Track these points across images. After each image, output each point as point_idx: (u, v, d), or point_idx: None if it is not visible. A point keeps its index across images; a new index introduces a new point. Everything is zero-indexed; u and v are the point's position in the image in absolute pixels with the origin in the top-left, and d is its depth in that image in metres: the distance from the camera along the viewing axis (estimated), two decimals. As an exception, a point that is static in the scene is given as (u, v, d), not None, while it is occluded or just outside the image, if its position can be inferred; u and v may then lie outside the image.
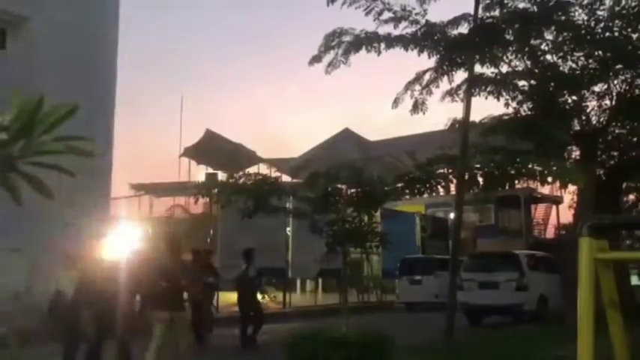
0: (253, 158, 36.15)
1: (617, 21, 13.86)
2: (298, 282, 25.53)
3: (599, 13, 13.89)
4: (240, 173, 9.76)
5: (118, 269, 7.53)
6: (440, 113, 15.00)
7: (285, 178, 32.64)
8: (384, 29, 13.50)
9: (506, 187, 15.22)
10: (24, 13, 8.08)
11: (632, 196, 21.67)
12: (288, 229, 19.29)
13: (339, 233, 8.37)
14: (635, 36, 14.17)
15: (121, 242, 8.84)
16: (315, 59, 13.52)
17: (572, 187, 14.40)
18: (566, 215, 30.97)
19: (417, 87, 14.65)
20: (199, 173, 34.32)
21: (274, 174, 30.74)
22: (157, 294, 7.08)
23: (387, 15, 13.34)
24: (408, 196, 9.74)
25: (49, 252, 7.66)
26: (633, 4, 13.52)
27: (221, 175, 25.45)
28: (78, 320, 7.49)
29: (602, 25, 13.96)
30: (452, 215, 21.74)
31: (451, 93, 15.34)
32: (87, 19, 8.72)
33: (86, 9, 8.66)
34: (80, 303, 7.46)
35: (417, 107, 14.71)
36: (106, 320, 7.42)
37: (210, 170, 35.16)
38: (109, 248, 8.13)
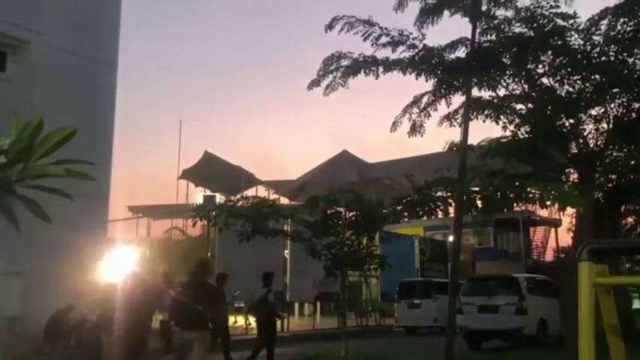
0: (251, 180, 36.18)
1: (612, 45, 13.99)
2: (296, 305, 25.34)
3: (595, 37, 14.03)
4: (238, 196, 9.78)
5: (136, 292, 7.50)
6: (435, 134, 15.06)
7: (284, 201, 32.69)
8: (381, 53, 13.64)
9: (505, 210, 15.25)
10: (25, 37, 8.13)
11: (630, 219, 21.65)
12: (286, 251, 19.21)
13: (338, 256, 8.34)
14: (630, 60, 14.29)
15: (122, 264, 8.81)
16: (314, 83, 13.62)
17: (570, 210, 14.41)
18: (565, 238, 30.95)
19: (415, 110, 14.75)
20: (197, 195, 34.31)
21: (272, 196, 30.74)
22: (186, 314, 7.15)
23: (384, 39, 13.49)
24: (406, 219, 9.73)
25: (45, 276, 7.61)
26: (628, 29, 13.67)
27: (219, 198, 25.44)
28: (101, 346, 7.52)
29: (597, 49, 14.09)
30: (450, 238, 21.69)
31: (449, 117, 15.43)
32: (87, 42, 8.79)
33: (87, 33, 8.74)
34: (102, 328, 7.49)
35: (415, 130, 14.79)
36: (130, 342, 7.40)
37: (209, 192, 35.21)
38: (121, 271, 8.11)
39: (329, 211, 8.67)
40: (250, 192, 33.76)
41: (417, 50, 13.62)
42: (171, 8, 72.14)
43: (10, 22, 7.86)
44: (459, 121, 14.91)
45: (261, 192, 35.40)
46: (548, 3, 13.38)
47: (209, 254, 18.66)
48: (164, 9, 71.06)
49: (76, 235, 7.04)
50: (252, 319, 16.43)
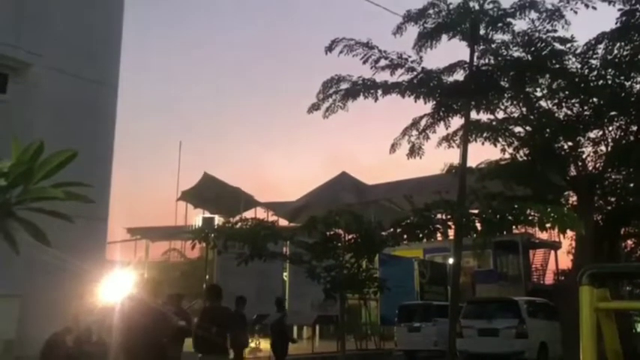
0: (250, 202, 36.10)
1: (609, 69, 14.11)
2: (295, 329, 25.11)
3: (593, 61, 14.15)
4: (237, 218, 9.76)
5: (133, 315, 7.43)
6: (433, 155, 15.13)
7: (282, 222, 32.58)
8: (380, 76, 13.75)
9: (505, 233, 15.21)
10: (26, 59, 8.18)
11: (630, 242, 21.59)
12: (285, 274, 19.10)
13: (337, 279, 8.29)
14: (628, 84, 14.39)
15: (120, 287, 8.76)
16: (314, 107, 13.72)
17: (570, 233, 14.36)
18: (565, 261, 30.86)
19: (414, 132, 14.83)
20: (196, 217, 34.19)
21: (271, 218, 30.62)
22: (204, 338, 7.12)
23: (383, 62, 13.62)
24: (406, 242, 9.70)
25: (43, 298, 7.55)
26: (625, 53, 13.79)
27: (218, 219, 25.37)
28: None
29: (595, 73, 14.20)
30: (450, 260, 21.60)
31: (448, 139, 15.50)
32: (88, 65, 8.85)
33: (87, 56, 8.80)
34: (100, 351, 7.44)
35: (414, 152, 14.84)
36: None
37: (207, 214, 35.08)
38: (119, 293, 8.06)
39: (328, 233, 8.66)
40: (249, 213, 33.70)
41: (415, 73, 13.74)
42: (170, 33, 72.87)
43: (11, 44, 7.92)
44: (457, 142, 14.97)
45: (260, 214, 35.33)
46: (545, 27, 13.53)
47: (207, 277, 18.55)
48: (164, 34, 71.72)
49: (74, 258, 7.00)
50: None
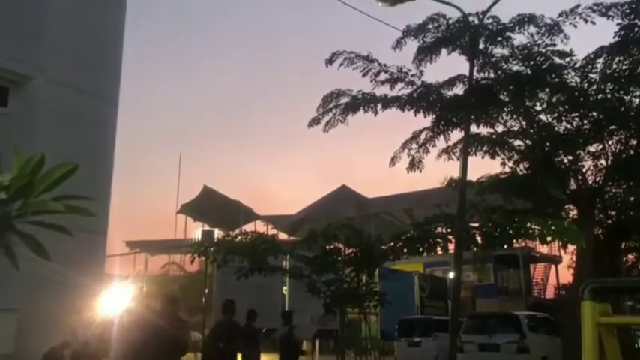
0: (250, 215, 36.08)
1: (609, 83, 14.16)
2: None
3: (592, 75, 14.21)
4: (237, 231, 9.72)
5: (132, 328, 7.38)
6: (431, 168, 15.12)
7: (282, 236, 32.54)
8: (380, 90, 13.79)
9: (505, 246, 15.17)
10: (27, 72, 8.21)
11: (631, 256, 21.53)
12: (284, 288, 19.02)
13: (337, 293, 8.26)
14: (627, 98, 14.44)
15: (119, 300, 8.72)
16: (314, 121, 13.75)
17: (570, 247, 14.33)
18: (566, 275, 30.74)
19: (414, 146, 14.84)
20: (195, 230, 34.17)
21: (271, 231, 30.56)
22: (216, 355, 7.09)
23: (383, 76, 13.66)
24: (406, 256, 9.67)
25: (41, 312, 7.51)
26: (624, 67, 13.85)
27: (217, 233, 25.32)
28: None
29: (594, 87, 14.25)
30: (451, 274, 21.52)
31: (447, 151, 15.52)
32: (89, 78, 8.87)
33: (88, 69, 8.83)
34: None
35: (414, 165, 14.85)
36: None
37: (207, 227, 35.05)
38: (118, 307, 8.03)
39: (328, 247, 8.63)
40: (249, 227, 33.67)
41: (415, 87, 13.79)
42: (171, 46, 73.24)
43: (13, 57, 7.95)
44: (457, 154, 14.99)
45: (260, 227, 35.29)
46: (544, 41, 13.59)
47: (207, 290, 18.47)
48: (164, 47, 72.14)
49: (73, 271, 6.97)
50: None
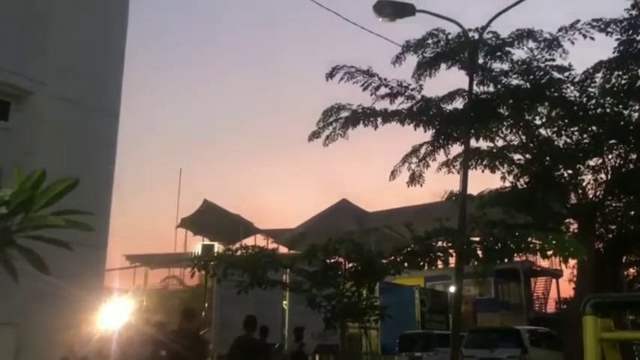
0: (250, 229, 36.03)
1: (608, 97, 14.22)
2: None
3: (591, 90, 14.27)
4: (237, 245, 9.70)
5: (133, 343, 7.36)
6: (429, 181, 15.12)
7: (282, 250, 32.45)
8: (380, 104, 13.85)
9: (506, 260, 15.16)
10: (29, 87, 8.24)
11: (632, 270, 21.46)
12: (284, 302, 18.92)
13: (337, 308, 8.21)
14: (626, 112, 14.49)
15: (119, 315, 8.69)
16: (315, 135, 13.79)
17: (571, 261, 14.29)
18: (567, 289, 30.60)
19: (414, 159, 14.86)
20: (195, 244, 34.09)
21: (271, 245, 30.50)
22: None
23: (383, 90, 13.72)
24: (407, 270, 9.63)
25: (40, 327, 7.47)
26: (622, 82, 13.91)
27: (217, 247, 25.26)
28: None
29: (593, 101, 14.31)
30: (451, 288, 21.43)
31: (447, 164, 15.53)
32: (89, 93, 8.90)
33: (89, 83, 8.86)
34: None
35: (415, 180, 14.85)
36: None
37: (207, 241, 35.00)
38: (117, 322, 8.01)
39: (328, 261, 8.60)
40: (249, 240, 33.61)
41: (415, 101, 13.84)
42: (171, 61, 73.60)
43: (14, 72, 7.99)
44: (457, 167, 15.00)
45: (260, 241, 35.22)
46: (543, 56, 13.67)
47: (207, 305, 18.38)
48: (165, 62, 72.46)
49: (72, 285, 6.94)
50: None
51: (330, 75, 13.47)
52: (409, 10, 10.92)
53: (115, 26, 9.78)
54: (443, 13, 12.29)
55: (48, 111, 8.31)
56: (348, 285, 8.50)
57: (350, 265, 8.57)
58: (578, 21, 13.11)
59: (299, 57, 74.24)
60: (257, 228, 36.55)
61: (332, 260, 8.57)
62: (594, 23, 13.08)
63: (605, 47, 13.80)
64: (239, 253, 9.19)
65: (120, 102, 9.36)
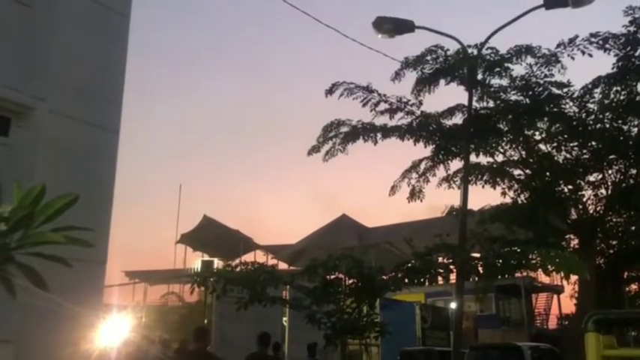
0: (250, 245, 35.93)
1: (607, 113, 14.26)
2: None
3: (590, 105, 14.33)
4: (237, 261, 9.66)
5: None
6: (432, 196, 15.17)
7: (282, 265, 32.33)
8: (380, 120, 13.89)
9: (507, 276, 15.08)
10: (29, 103, 8.25)
11: (634, 286, 21.38)
12: (284, 319, 18.80)
13: (338, 325, 8.14)
14: (625, 127, 14.53)
15: (118, 331, 8.62)
16: (314, 149, 13.82)
17: (572, 277, 14.24)
18: (568, 305, 30.45)
19: (414, 175, 14.88)
20: (195, 260, 33.98)
21: (271, 261, 30.35)
22: None
23: (383, 106, 13.78)
24: (407, 286, 9.58)
25: (38, 343, 7.41)
26: (621, 97, 13.97)
27: (217, 263, 25.15)
28: None
29: (593, 116, 14.36)
30: (452, 305, 21.32)
31: (448, 179, 15.55)
32: (90, 109, 8.92)
33: (90, 100, 8.88)
34: None
35: (415, 195, 14.85)
36: None
37: (207, 257, 34.89)
38: (116, 338, 7.95)
39: (329, 277, 8.56)
40: (249, 256, 33.53)
41: (415, 116, 13.89)
42: (170, 77, 73.95)
43: (15, 88, 8.01)
44: (457, 183, 15.01)
45: (260, 257, 35.11)
46: (542, 72, 13.74)
47: (206, 321, 18.26)
48: (163, 78, 72.84)
49: (71, 302, 6.90)
50: None
51: (330, 91, 13.54)
52: (408, 27, 10.98)
53: (115, 43, 9.83)
54: (442, 29, 12.36)
55: (48, 127, 8.33)
56: (349, 301, 8.45)
57: (350, 281, 8.53)
58: (576, 37, 13.19)
59: (297, 71, 74.63)
60: (257, 244, 36.46)
61: (332, 276, 8.53)
62: (592, 39, 13.17)
63: (603, 62, 13.90)
64: (239, 269, 9.14)
65: (120, 118, 9.38)
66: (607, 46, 13.30)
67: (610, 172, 14.95)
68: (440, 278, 9.60)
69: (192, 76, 73.60)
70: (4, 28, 8.30)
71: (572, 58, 13.28)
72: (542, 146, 15.15)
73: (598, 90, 14.24)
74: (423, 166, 14.77)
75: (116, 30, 9.95)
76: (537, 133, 14.99)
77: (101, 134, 8.91)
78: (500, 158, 15.32)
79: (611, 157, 14.59)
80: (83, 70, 9.29)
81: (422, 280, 8.56)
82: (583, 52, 13.12)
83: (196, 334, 7.67)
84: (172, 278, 33.55)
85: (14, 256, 2.47)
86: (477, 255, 10.16)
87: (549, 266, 8.14)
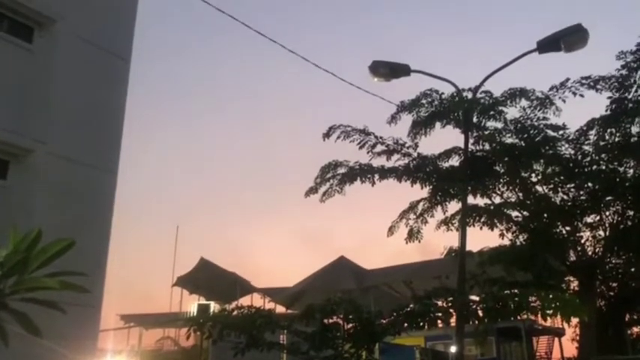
0: (247, 287, 35.49)
1: (602, 154, 14.35)
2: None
3: (585, 147, 14.43)
4: (234, 305, 9.53)
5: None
6: (430, 237, 15.11)
7: (279, 309, 31.87)
8: (377, 161, 13.95)
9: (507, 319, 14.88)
10: (29, 145, 8.31)
11: (636, 329, 21.10)
12: (281, 364, 18.43)
13: (336, 370, 7.99)
14: (621, 169, 14.59)
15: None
16: (312, 190, 13.81)
17: (574, 320, 14.07)
18: (570, 348, 29.94)
19: (412, 216, 14.85)
20: (191, 303, 33.48)
21: (268, 305, 29.90)
22: None
23: (380, 148, 13.85)
24: (407, 330, 9.44)
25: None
26: (616, 139, 14.08)
27: (213, 306, 24.81)
28: None
29: (588, 158, 14.44)
30: (452, 348, 20.97)
31: (446, 222, 15.50)
32: (88, 151, 8.97)
33: (88, 142, 8.94)
34: None
35: (412, 236, 14.78)
36: None
37: (203, 300, 34.42)
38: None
39: (326, 322, 8.44)
40: (246, 299, 33.05)
41: (411, 158, 13.95)
42: (167, 118, 74.46)
43: (15, 131, 8.07)
44: (455, 225, 14.97)
45: (257, 299, 34.65)
46: (536, 115, 13.87)
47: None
48: (161, 120, 73.31)
49: (65, 347, 6.77)
50: None
51: (327, 134, 13.62)
52: (404, 71, 11.13)
53: (116, 86, 9.95)
54: (437, 73, 12.54)
55: (47, 169, 8.35)
56: (347, 346, 8.30)
57: (349, 325, 8.41)
58: (567, 79, 13.38)
59: (293, 114, 75.23)
60: (254, 287, 36.01)
61: (330, 321, 8.41)
62: (584, 81, 13.36)
63: (597, 103, 14.05)
64: (235, 313, 9.02)
65: (119, 160, 9.42)
66: (598, 86, 13.50)
67: (607, 213, 14.95)
68: (439, 322, 9.47)
69: (193, 119, 74.11)
70: (5, 73, 8.40)
71: (564, 101, 13.43)
72: (539, 188, 15.18)
73: (593, 132, 14.37)
74: (420, 207, 14.76)
75: (117, 73, 10.08)
76: (534, 175, 15.04)
77: (99, 176, 8.93)
78: (497, 200, 15.34)
79: (608, 198, 14.61)
80: (83, 113, 9.37)
81: (421, 323, 8.44)
82: (574, 94, 13.27)
83: None
84: (168, 322, 33.01)
85: (8, 302, 2.44)
86: (477, 298, 10.06)
87: (548, 309, 8.05)
